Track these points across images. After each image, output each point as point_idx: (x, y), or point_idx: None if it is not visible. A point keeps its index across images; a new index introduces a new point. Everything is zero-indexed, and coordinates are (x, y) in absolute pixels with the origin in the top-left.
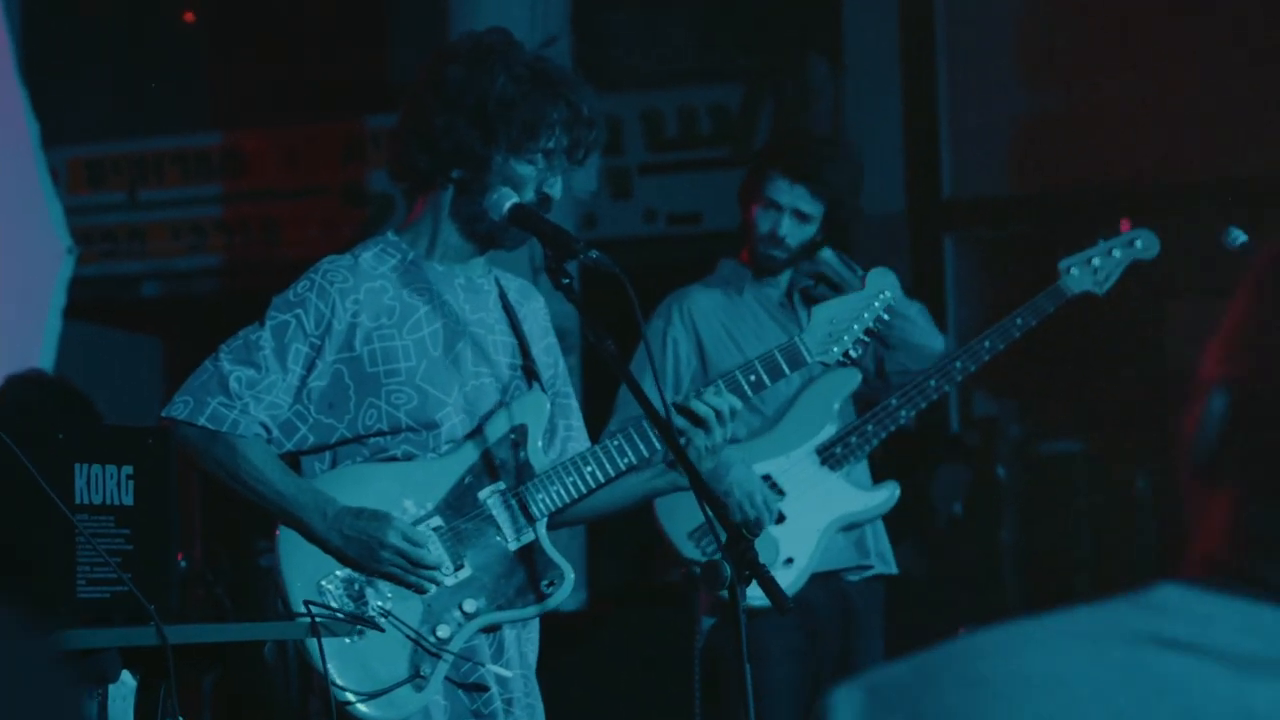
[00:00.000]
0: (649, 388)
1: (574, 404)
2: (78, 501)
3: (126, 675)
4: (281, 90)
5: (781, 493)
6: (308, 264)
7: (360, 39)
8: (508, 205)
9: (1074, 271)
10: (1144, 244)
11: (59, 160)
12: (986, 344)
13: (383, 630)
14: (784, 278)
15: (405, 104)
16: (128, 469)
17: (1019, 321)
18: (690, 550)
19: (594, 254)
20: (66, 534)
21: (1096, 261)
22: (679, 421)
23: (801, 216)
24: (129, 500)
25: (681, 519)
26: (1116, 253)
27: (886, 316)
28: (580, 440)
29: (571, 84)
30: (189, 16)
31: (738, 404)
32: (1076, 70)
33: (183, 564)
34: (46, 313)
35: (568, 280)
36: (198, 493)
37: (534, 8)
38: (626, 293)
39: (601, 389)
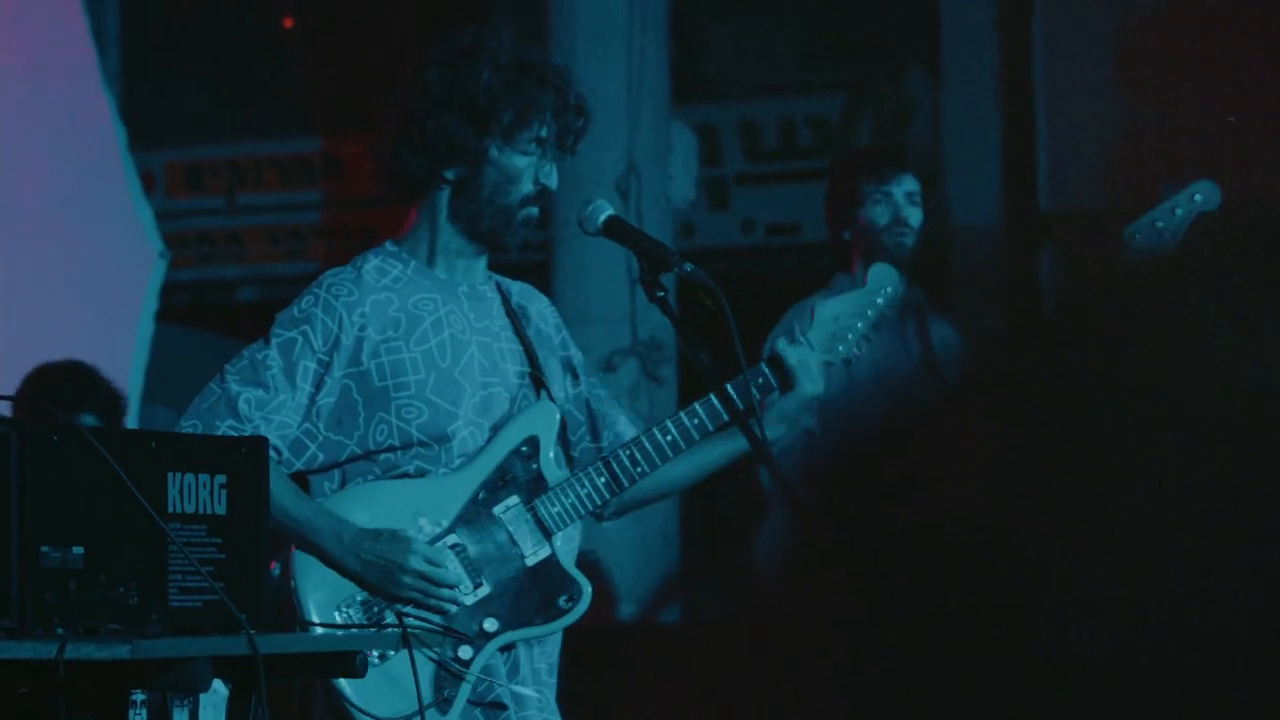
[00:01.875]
0: None
1: (604, 392)
2: (170, 510)
3: (218, 684)
4: (381, 96)
5: None
6: None
7: None
8: (603, 217)
9: (1138, 237)
10: (1204, 197)
11: (157, 164)
12: None
13: (471, 641)
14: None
15: (388, 114)
16: (221, 478)
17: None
18: None
19: (689, 267)
20: (159, 543)
21: (1160, 223)
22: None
23: (912, 198)
24: (221, 510)
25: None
26: (1179, 210)
27: (889, 312)
28: (623, 426)
29: (557, 70)
30: (288, 22)
31: (823, 356)
32: (1175, 83)
33: (275, 571)
34: (138, 317)
35: (663, 293)
36: None
37: (631, 15)
38: (721, 305)
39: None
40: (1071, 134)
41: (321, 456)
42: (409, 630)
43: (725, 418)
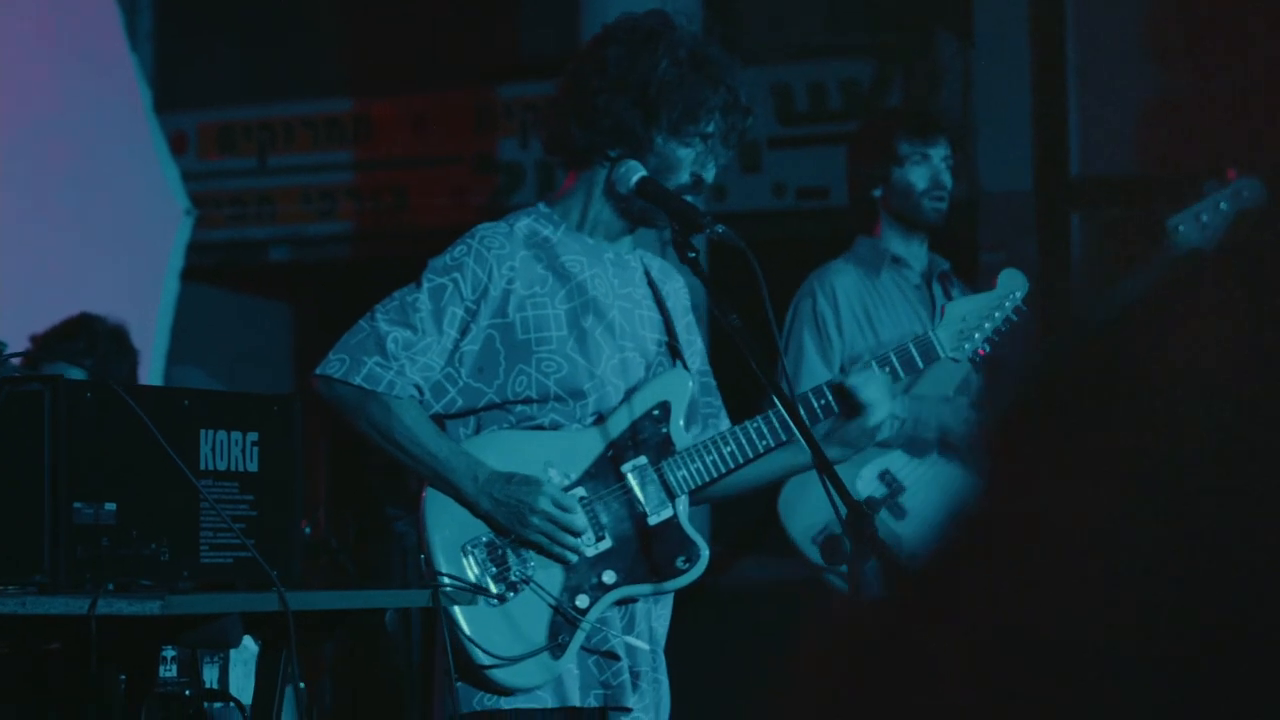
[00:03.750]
0: (806, 366)
1: (713, 382)
2: (202, 467)
3: (248, 641)
4: (412, 58)
5: (902, 487)
6: (438, 232)
7: (491, 8)
8: (635, 178)
9: (1182, 229)
10: (1250, 193)
11: (189, 125)
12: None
13: (504, 601)
14: (921, 260)
15: (564, 82)
16: (253, 435)
17: (1127, 288)
18: (814, 555)
19: (720, 229)
20: (190, 500)
21: (1205, 217)
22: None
23: (947, 162)
24: (253, 467)
25: (803, 519)
26: (1224, 205)
27: (1015, 317)
28: (722, 418)
29: (731, 69)
30: None
31: (889, 380)
32: (1208, 50)
33: (306, 530)
34: (164, 274)
35: (694, 254)
36: (324, 459)
37: None
38: (752, 267)
39: (724, 363)
40: (1103, 100)
41: (460, 402)
42: (443, 588)
43: (836, 410)
